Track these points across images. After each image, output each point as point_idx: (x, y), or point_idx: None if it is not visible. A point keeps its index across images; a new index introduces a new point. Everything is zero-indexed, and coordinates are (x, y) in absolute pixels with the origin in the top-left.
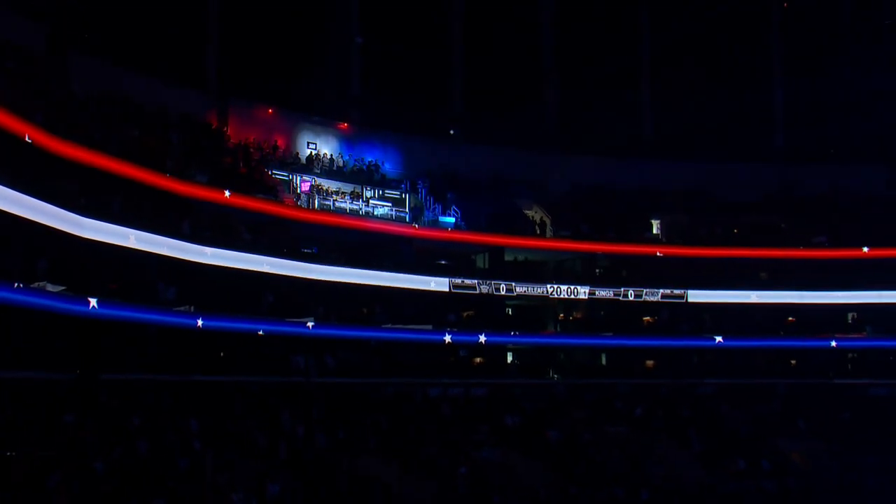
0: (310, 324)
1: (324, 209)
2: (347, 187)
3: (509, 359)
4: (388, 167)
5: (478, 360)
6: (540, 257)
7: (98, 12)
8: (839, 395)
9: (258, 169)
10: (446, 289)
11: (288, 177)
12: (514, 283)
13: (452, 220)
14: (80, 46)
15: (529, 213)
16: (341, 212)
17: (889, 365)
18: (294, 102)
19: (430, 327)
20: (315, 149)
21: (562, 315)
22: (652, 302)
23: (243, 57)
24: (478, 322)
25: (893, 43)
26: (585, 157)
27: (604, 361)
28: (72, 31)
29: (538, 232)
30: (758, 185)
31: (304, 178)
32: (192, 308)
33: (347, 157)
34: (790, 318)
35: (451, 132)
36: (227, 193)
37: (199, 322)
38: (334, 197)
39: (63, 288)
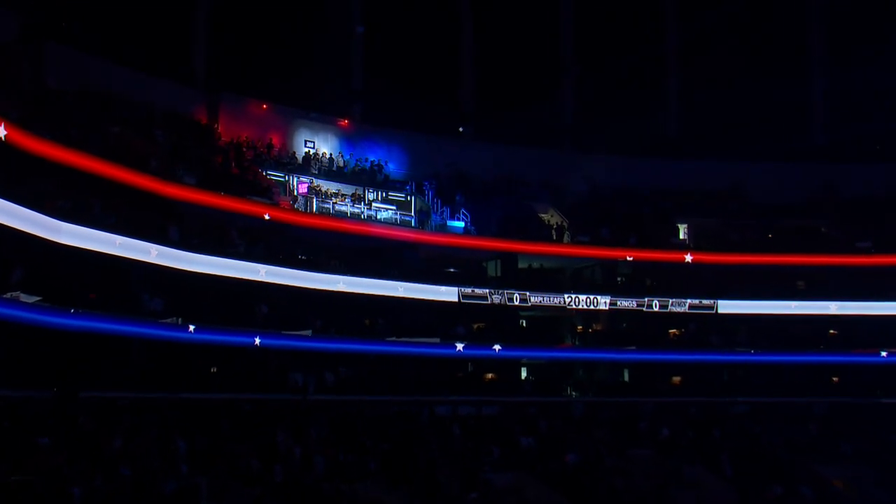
0: (308, 334)
1: (322, 213)
2: (348, 189)
3: (523, 375)
4: (392, 167)
5: (489, 376)
6: (556, 265)
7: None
8: (887, 416)
9: (251, 169)
10: (455, 299)
11: (284, 178)
12: (528, 293)
13: (462, 224)
14: (56, 36)
15: (545, 216)
16: (341, 216)
17: None
18: (290, 97)
19: (437, 340)
20: (313, 147)
21: (580, 327)
22: (679, 313)
23: (235, 48)
24: (489, 335)
25: None
26: (606, 157)
27: (626, 378)
28: (47, 19)
29: (554, 237)
30: (795, 186)
31: (302, 179)
32: (180, 320)
33: (348, 157)
34: (832, 331)
35: (461, 129)
36: (217, 196)
37: (188, 335)
38: (334, 199)
39: (38, 298)
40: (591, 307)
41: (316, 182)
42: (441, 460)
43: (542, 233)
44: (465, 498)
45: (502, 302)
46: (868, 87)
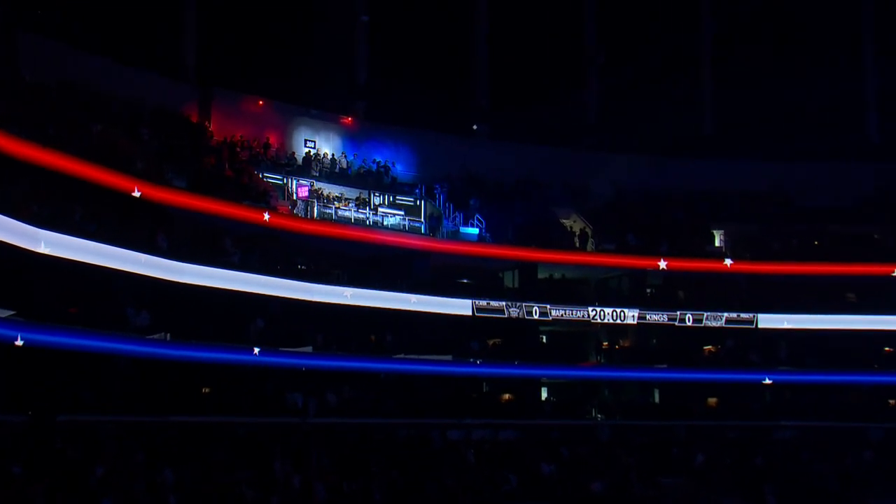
0: (307, 357)
1: (324, 218)
2: (352, 193)
3: (544, 395)
4: (400, 169)
5: (506, 396)
6: (580, 275)
7: None
8: None
9: (246, 171)
10: (469, 312)
11: (282, 180)
12: (548, 306)
13: (476, 231)
14: (31, 25)
15: (567, 222)
16: (345, 222)
17: None
18: (289, 93)
19: (449, 358)
20: (314, 147)
21: (606, 343)
22: (715, 328)
23: (228, 39)
24: (506, 351)
25: None
26: (633, 156)
27: (657, 399)
28: (22, 6)
29: (577, 245)
30: (845, 188)
31: (302, 181)
32: (168, 336)
33: (352, 157)
34: (887, 349)
35: (475, 128)
36: (210, 200)
37: (177, 352)
38: (336, 204)
39: (12, 313)
40: (618, 321)
41: (317, 185)
42: (454, 490)
43: (563, 240)
44: None
45: (520, 315)
46: None
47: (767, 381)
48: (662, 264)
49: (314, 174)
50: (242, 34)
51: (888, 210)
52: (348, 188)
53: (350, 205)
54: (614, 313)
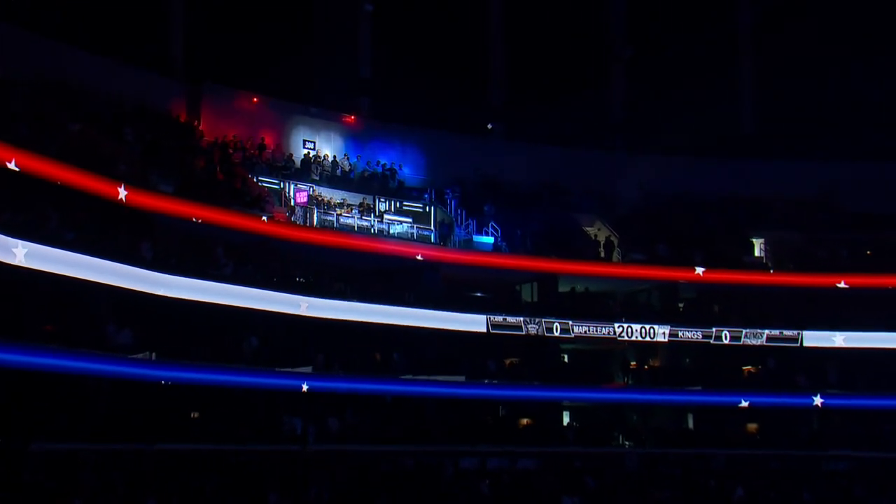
0: (305, 386)
1: (325, 227)
2: (355, 198)
3: (566, 420)
4: (408, 172)
5: (525, 421)
6: (605, 288)
7: None
8: None
9: (240, 175)
10: (483, 329)
11: (279, 185)
12: (570, 322)
13: (491, 239)
14: (1, 14)
15: (591, 229)
16: (347, 230)
17: None
18: (285, 89)
19: (462, 379)
20: (313, 148)
21: (634, 363)
22: (755, 346)
23: (220, 29)
24: (524, 372)
25: None
26: (663, 158)
27: (690, 425)
28: None
29: (602, 255)
30: None
31: (300, 186)
32: (153, 356)
33: (355, 160)
34: None
35: (490, 127)
36: (199, 206)
37: (163, 373)
38: (338, 211)
39: None
40: (647, 339)
41: (317, 190)
42: None
43: (587, 250)
44: None
45: (540, 332)
46: None
47: (818, 402)
48: (699, 270)
49: (314, 178)
50: (235, 24)
51: None
52: (351, 193)
53: (353, 211)
54: (643, 330)
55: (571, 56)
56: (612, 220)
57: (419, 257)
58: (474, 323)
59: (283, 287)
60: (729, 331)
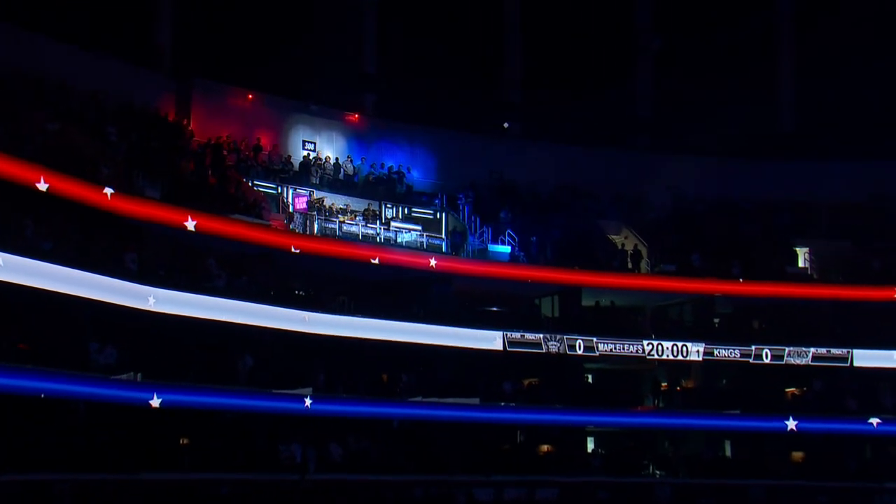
0: (308, 401)
1: (326, 235)
2: (359, 204)
3: (590, 447)
4: (417, 175)
5: (545, 448)
6: (632, 301)
7: None
8: None
9: (233, 179)
10: (500, 346)
11: (276, 189)
12: (595, 339)
13: (508, 249)
14: None
15: (616, 238)
16: (351, 238)
17: None
18: (283, 84)
19: (476, 401)
20: (314, 150)
21: (665, 384)
22: (799, 366)
23: (211, 20)
24: (545, 394)
25: None
26: (696, 159)
27: (728, 453)
28: None
29: (630, 266)
30: None
31: (299, 190)
32: (139, 376)
33: (359, 162)
34: None
35: (506, 126)
36: (189, 213)
37: (149, 395)
38: (341, 218)
39: None
40: (680, 357)
41: (318, 195)
42: None
43: (612, 260)
44: None
45: (561, 350)
46: None
47: (874, 422)
48: (733, 290)
49: (314, 182)
50: (228, 14)
51: None
52: (355, 199)
53: (357, 218)
54: (675, 348)
55: (594, 47)
56: (640, 226)
57: (433, 264)
58: (489, 340)
59: (280, 301)
60: (770, 349)
